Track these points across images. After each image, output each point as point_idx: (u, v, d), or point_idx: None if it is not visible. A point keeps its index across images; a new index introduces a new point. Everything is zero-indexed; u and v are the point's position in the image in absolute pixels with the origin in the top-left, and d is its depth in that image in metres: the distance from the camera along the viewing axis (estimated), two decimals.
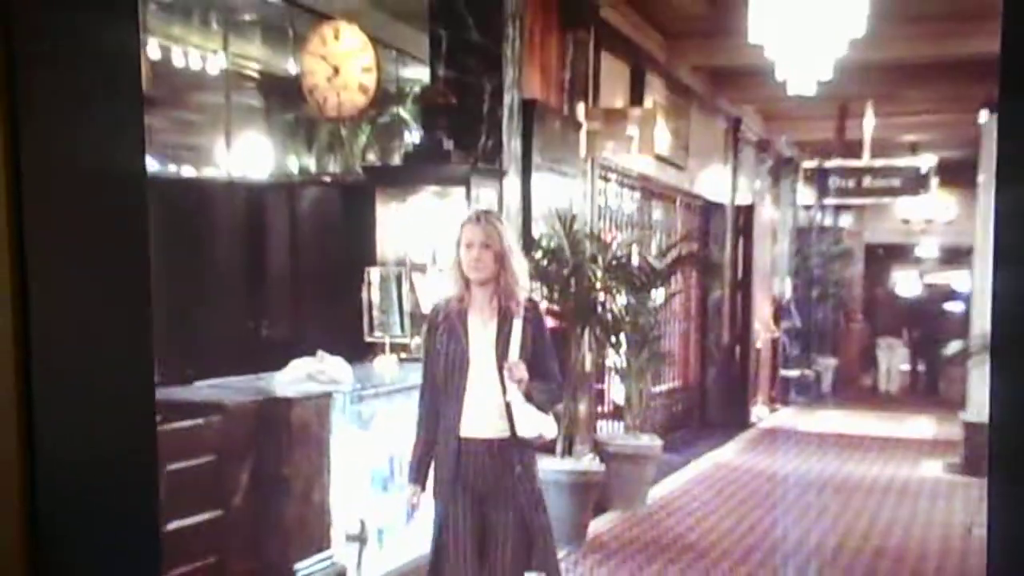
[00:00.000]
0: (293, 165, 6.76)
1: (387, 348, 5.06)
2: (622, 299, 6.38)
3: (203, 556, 3.77)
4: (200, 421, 3.81)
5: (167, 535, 3.55)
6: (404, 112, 6.40)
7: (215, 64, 6.37)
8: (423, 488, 3.66)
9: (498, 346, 3.60)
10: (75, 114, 1.52)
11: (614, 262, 6.31)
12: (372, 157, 6.51)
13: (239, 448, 3.95)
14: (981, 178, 9.26)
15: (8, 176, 1.52)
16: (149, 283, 1.58)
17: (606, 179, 7.68)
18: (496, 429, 3.54)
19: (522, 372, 3.53)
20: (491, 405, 3.54)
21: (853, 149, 11.36)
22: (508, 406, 3.56)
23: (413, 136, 6.27)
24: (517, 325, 3.64)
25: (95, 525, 1.53)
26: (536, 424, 3.58)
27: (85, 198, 1.54)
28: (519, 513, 3.54)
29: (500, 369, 3.56)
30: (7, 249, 1.46)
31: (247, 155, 6.63)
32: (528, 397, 3.57)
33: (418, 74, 6.34)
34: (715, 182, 10.39)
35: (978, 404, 8.76)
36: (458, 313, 3.62)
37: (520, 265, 3.66)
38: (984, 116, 9.08)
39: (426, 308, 5.30)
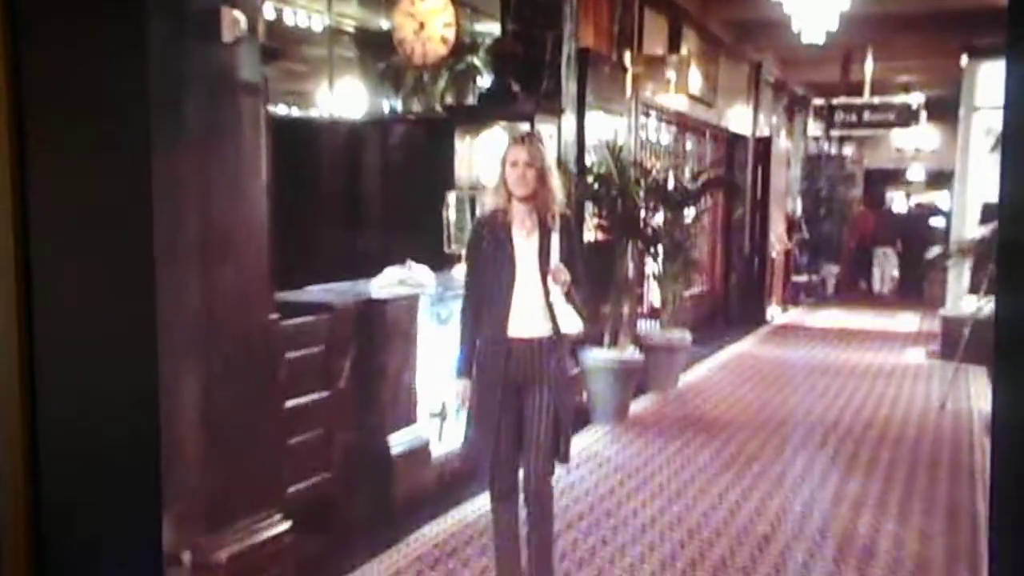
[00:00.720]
0: (384, 106, 6.70)
1: (462, 258, 5.04)
2: (660, 216, 6.31)
3: (313, 428, 3.79)
4: (312, 318, 3.81)
5: (287, 411, 3.58)
6: (478, 60, 6.29)
7: (319, 22, 6.32)
8: (468, 378, 3.50)
9: (541, 254, 3.44)
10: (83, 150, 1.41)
11: (654, 185, 6.25)
12: (450, 99, 6.40)
13: (343, 340, 3.95)
14: (961, 112, 9.12)
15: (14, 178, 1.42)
16: (154, 280, 1.51)
17: (647, 116, 7.60)
18: (541, 328, 3.42)
19: (566, 275, 3.40)
20: (536, 307, 3.44)
21: (855, 89, 11.19)
22: (551, 307, 3.44)
23: (485, 81, 6.12)
24: (555, 235, 3.47)
25: (97, 510, 1.44)
26: (574, 321, 3.49)
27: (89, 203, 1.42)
28: (554, 397, 3.43)
29: (543, 274, 3.43)
30: (12, 247, 1.39)
31: (346, 98, 6.58)
32: (567, 297, 3.46)
33: (490, 28, 6.22)
34: (739, 118, 10.23)
35: (954, 301, 8.69)
36: (503, 225, 3.44)
37: (557, 183, 3.49)
38: (964, 60, 8.90)
39: None
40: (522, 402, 3.45)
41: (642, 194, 6.03)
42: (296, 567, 3.36)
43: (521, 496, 3.50)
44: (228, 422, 3.14)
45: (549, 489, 3.51)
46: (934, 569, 3.72)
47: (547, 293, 3.43)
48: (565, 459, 3.55)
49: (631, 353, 5.91)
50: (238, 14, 3.07)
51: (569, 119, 5.88)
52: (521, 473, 3.49)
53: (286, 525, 3.30)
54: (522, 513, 3.50)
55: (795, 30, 7.08)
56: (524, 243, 3.46)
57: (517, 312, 3.44)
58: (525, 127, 5.33)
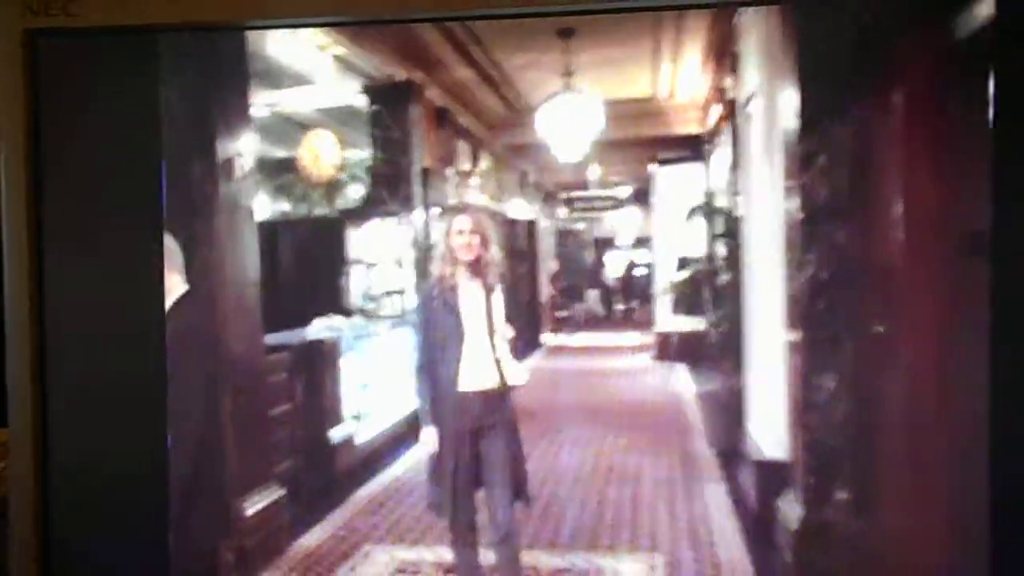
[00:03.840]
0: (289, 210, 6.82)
1: (360, 311, 5.31)
2: None
3: (285, 429, 4.00)
4: (280, 355, 4.05)
5: (271, 417, 3.78)
6: (359, 176, 6.55)
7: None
8: (434, 426, 3.10)
9: (487, 314, 3.05)
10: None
11: None
12: (336, 204, 6.59)
13: (298, 369, 4.18)
14: (652, 199, 9.86)
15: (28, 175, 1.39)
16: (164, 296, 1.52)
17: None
18: (489, 381, 3.05)
19: (511, 331, 3.10)
20: (485, 362, 3.04)
21: (586, 185, 11.87)
22: (498, 361, 3.06)
23: (355, 191, 6.37)
24: (498, 295, 3.10)
25: (106, 519, 1.41)
26: (520, 372, 3.13)
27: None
28: (507, 445, 3.06)
29: (490, 332, 3.04)
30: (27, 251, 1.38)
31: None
32: (513, 353, 3.13)
33: (358, 155, 6.45)
34: (515, 206, 10.71)
35: (661, 323, 9.46)
36: (451, 289, 3.03)
37: (497, 246, 3.11)
38: (652, 167, 9.65)
39: (378, 289, 5.56)
40: (478, 450, 3.07)
41: None
42: (288, 520, 3.58)
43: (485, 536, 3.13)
44: (243, 423, 3.34)
45: (514, 524, 3.14)
46: (672, 482, 4.27)
47: (494, 348, 3.06)
48: (526, 498, 3.20)
49: None
50: (242, 160, 3.33)
51: (420, 214, 6.19)
52: (484, 514, 3.13)
53: (281, 491, 3.51)
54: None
55: (556, 156, 7.60)
56: (471, 304, 3.07)
57: (467, 368, 3.04)
58: (393, 220, 5.64)
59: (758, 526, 3.42)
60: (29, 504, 1.35)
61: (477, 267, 3.06)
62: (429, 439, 3.09)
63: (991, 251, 1.56)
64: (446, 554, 3.36)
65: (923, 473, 2.44)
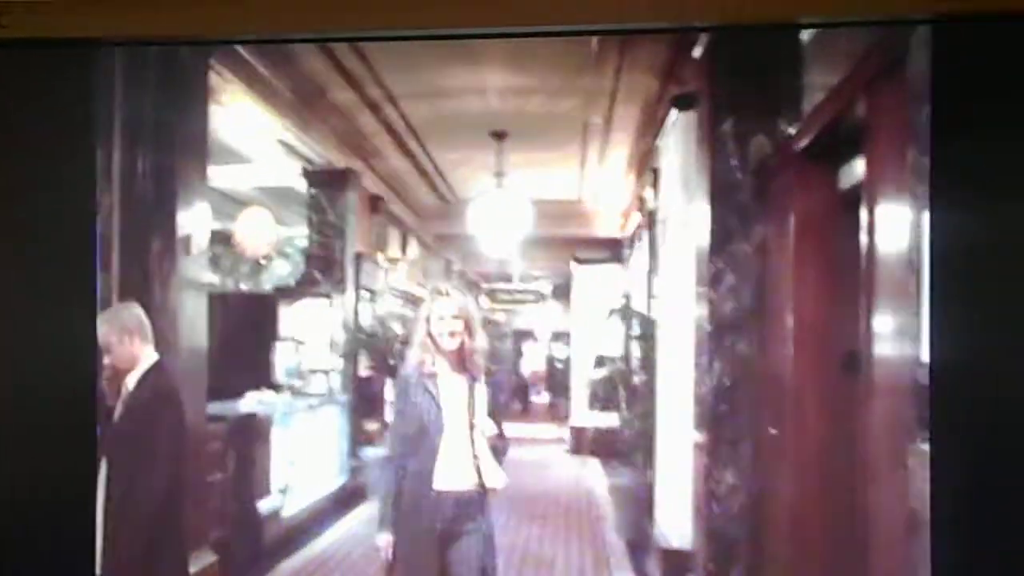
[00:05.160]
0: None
1: (285, 387, 5.53)
2: None
3: (218, 496, 4.12)
4: (216, 425, 4.19)
5: (207, 483, 3.91)
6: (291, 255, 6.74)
7: None
8: (394, 535, 2.75)
9: (469, 407, 2.75)
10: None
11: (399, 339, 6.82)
12: (267, 281, 6.75)
13: (231, 439, 4.35)
14: (572, 295, 10.21)
15: None
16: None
17: (392, 293, 8.23)
18: (467, 481, 2.71)
19: (491, 427, 2.81)
20: (463, 459, 2.72)
21: (509, 278, 12.15)
22: (477, 460, 2.74)
23: (283, 268, 6.58)
24: (480, 387, 2.79)
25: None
26: (499, 475, 2.81)
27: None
28: (479, 555, 2.73)
29: (470, 427, 2.75)
30: None
31: None
32: (493, 452, 2.81)
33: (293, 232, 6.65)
34: None
35: (576, 417, 9.77)
36: (429, 378, 2.73)
37: (482, 333, 2.84)
38: (573, 265, 10.07)
39: (306, 367, 5.78)
40: (447, 556, 2.73)
41: (397, 345, 6.61)
42: None
43: None
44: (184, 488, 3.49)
45: None
46: (583, 570, 4.54)
47: (473, 445, 2.75)
48: None
49: None
50: (198, 237, 3.59)
51: (351, 296, 6.43)
52: None
53: (214, 557, 3.66)
54: None
55: (483, 249, 7.84)
56: (451, 396, 2.76)
57: (444, 465, 2.72)
58: (325, 301, 5.92)
59: None
60: None
61: (460, 356, 2.77)
62: (384, 545, 2.76)
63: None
64: None
65: (804, 556, 2.81)
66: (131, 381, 2.54)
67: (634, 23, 1.51)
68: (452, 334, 2.74)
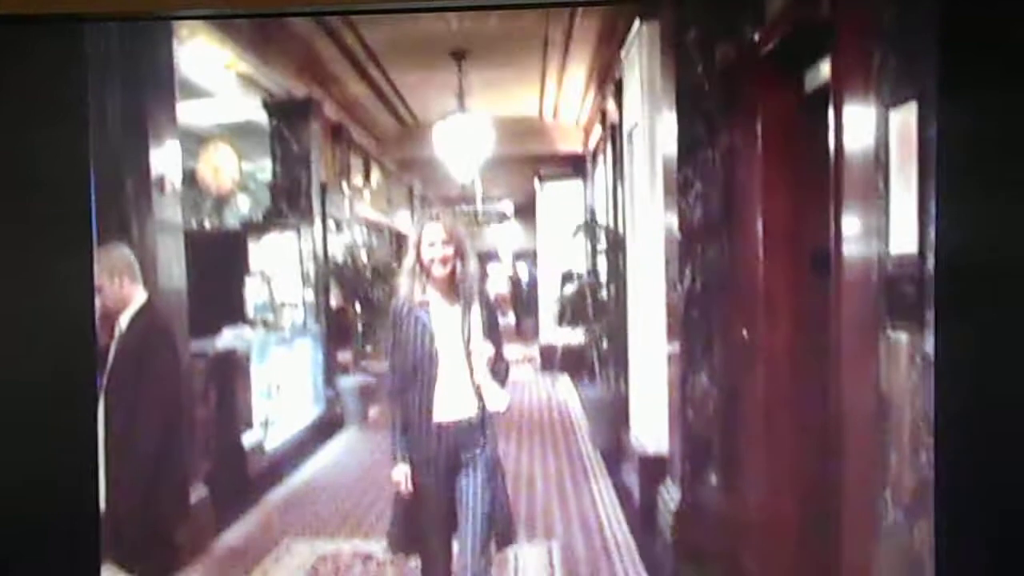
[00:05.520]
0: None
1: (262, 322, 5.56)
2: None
3: (204, 432, 4.19)
4: (198, 361, 4.23)
5: (193, 419, 3.98)
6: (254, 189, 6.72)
7: None
8: (407, 463, 2.72)
9: (464, 333, 2.70)
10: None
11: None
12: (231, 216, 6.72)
13: (214, 375, 4.41)
14: (537, 213, 10.18)
15: None
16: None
17: (358, 222, 8.22)
18: (467, 409, 2.70)
19: (488, 349, 2.74)
20: (462, 387, 2.70)
21: (471, 199, 12.13)
22: (477, 386, 2.72)
23: (250, 203, 6.55)
24: (476, 310, 2.73)
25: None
26: (501, 397, 2.78)
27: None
28: (486, 482, 2.70)
29: (468, 354, 2.70)
30: None
31: None
32: (493, 375, 2.76)
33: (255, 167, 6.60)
34: (402, 219, 10.96)
35: (545, 335, 9.92)
36: (421, 307, 2.69)
37: (474, 256, 2.78)
38: (536, 183, 10.05)
39: (277, 300, 5.80)
40: (453, 486, 2.70)
41: (369, 274, 6.66)
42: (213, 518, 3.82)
43: None
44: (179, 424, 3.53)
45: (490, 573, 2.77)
46: (562, 481, 4.71)
47: (472, 372, 2.71)
48: (510, 540, 2.83)
49: (365, 377, 6.48)
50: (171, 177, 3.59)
51: (318, 227, 6.44)
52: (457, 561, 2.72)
53: (205, 490, 3.75)
54: None
55: (450, 172, 7.85)
56: (446, 323, 2.72)
57: (443, 395, 2.70)
58: (293, 234, 5.92)
59: (642, 512, 3.89)
60: None
61: (452, 282, 2.72)
62: (401, 477, 2.74)
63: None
64: (362, 545, 3.69)
65: (776, 453, 2.96)
66: (123, 321, 2.58)
67: None
68: (443, 260, 2.68)
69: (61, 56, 1.39)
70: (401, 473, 2.73)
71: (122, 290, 2.59)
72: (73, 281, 1.45)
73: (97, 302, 2.53)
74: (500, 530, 2.76)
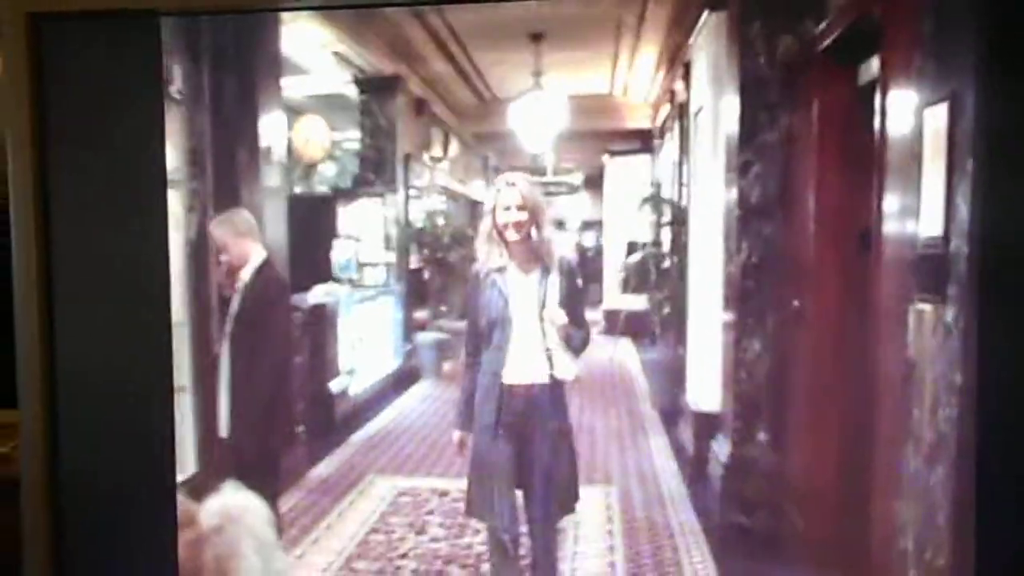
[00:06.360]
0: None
1: (349, 280, 5.87)
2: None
3: (300, 377, 4.51)
4: (296, 314, 4.56)
5: (295, 365, 4.30)
6: (342, 158, 6.99)
7: None
8: (470, 431, 2.69)
9: (539, 299, 2.64)
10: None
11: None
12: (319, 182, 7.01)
13: (307, 327, 4.72)
14: (605, 187, 10.32)
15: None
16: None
17: (436, 191, 8.48)
18: (537, 374, 2.64)
19: (562, 319, 2.65)
20: (533, 353, 2.64)
21: (543, 171, 12.26)
22: (548, 352, 2.65)
23: (346, 171, 6.83)
24: (553, 278, 2.67)
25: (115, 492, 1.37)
26: (571, 367, 2.70)
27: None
28: (552, 448, 2.65)
29: (541, 320, 2.64)
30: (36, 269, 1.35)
31: None
32: (566, 342, 2.69)
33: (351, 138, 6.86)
34: (478, 188, 11.19)
35: (609, 301, 10.10)
36: (498, 271, 2.65)
37: (550, 223, 2.73)
38: (605, 158, 10.17)
39: (363, 260, 6.10)
40: (521, 451, 2.66)
41: (447, 239, 6.92)
42: (305, 453, 4.15)
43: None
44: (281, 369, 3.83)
45: (555, 540, 2.77)
46: (622, 434, 4.93)
47: (545, 337, 2.66)
48: (571, 509, 2.76)
49: (440, 334, 6.79)
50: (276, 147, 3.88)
51: (401, 194, 6.72)
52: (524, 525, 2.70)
53: (300, 427, 4.07)
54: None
55: (523, 145, 8.02)
56: (521, 289, 2.67)
57: (513, 359, 2.65)
58: (379, 200, 6.20)
59: (695, 463, 4.11)
60: (41, 484, 1.32)
61: (528, 247, 2.67)
62: (457, 440, 2.74)
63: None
64: (439, 482, 3.98)
65: (819, 411, 3.15)
66: (246, 275, 2.88)
67: None
68: (518, 225, 2.63)
69: (137, 47, 1.36)
70: (456, 437, 2.73)
71: (244, 247, 2.89)
72: (151, 256, 1.43)
73: (222, 258, 2.85)
74: (561, 499, 2.70)
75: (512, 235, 2.65)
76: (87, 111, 1.32)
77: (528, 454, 2.63)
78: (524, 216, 2.64)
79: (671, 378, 5.79)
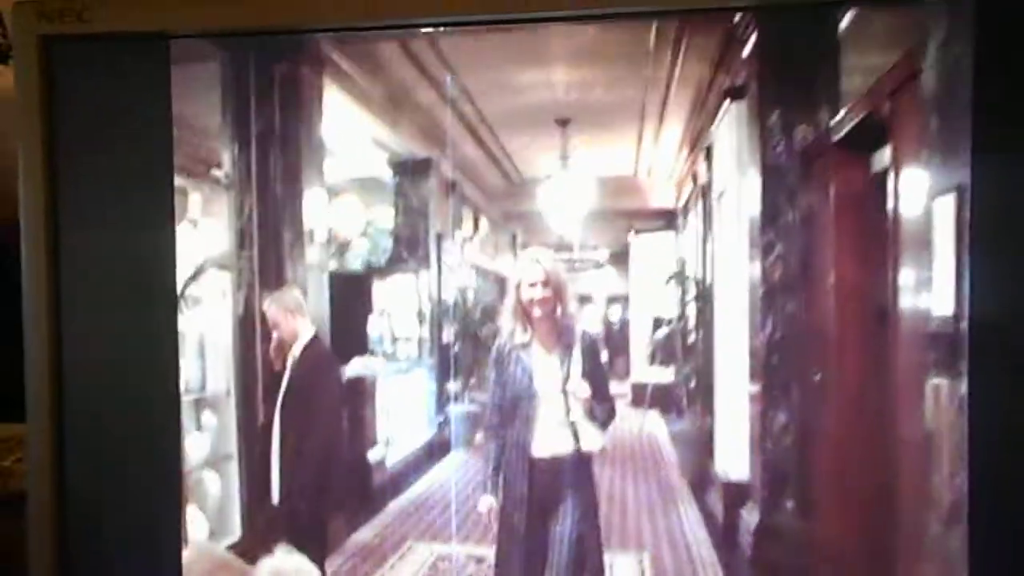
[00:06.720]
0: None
1: (383, 353, 6.01)
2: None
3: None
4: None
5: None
6: (375, 236, 7.16)
7: None
8: (497, 497, 2.77)
9: (562, 373, 2.72)
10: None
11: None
12: (360, 262, 7.19)
13: (346, 396, 4.83)
14: (630, 265, 10.39)
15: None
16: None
17: (467, 267, 8.62)
18: (562, 447, 2.70)
19: (584, 390, 2.70)
20: (558, 425, 2.70)
21: (570, 248, 12.33)
22: (573, 425, 2.71)
23: (378, 249, 7.03)
24: (576, 353, 2.74)
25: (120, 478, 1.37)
26: (597, 438, 2.77)
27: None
28: (576, 523, 2.69)
29: (564, 393, 2.69)
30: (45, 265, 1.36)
31: None
32: (590, 416, 2.73)
33: (384, 217, 7.07)
34: (507, 263, 11.27)
35: (636, 374, 10.15)
36: (523, 347, 2.72)
37: (574, 299, 2.80)
38: (631, 235, 10.29)
39: (396, 335, 6.24)
40: (547, 525, 2.71)
41: (477, 314, 7.04)
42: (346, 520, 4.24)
43: None
44: (331, 438, 3.92)
45: None
46: (652, 502, 4.97)
47: (568, 411, 2.71)
48: None
49: (471, 406, 6.84)
50: (318, 228, 4.07)
51: (433, 271, 6.88)
52: None
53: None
54: None
55: (550, 224, 8.16)
56: (543, 364, 2.75)
57: (540, 432, 2.72)
58: (412, 276, 6.37)
59: (724, 531, 4.18)
60: (47, 498, 1.33)
61: (552, 324, 2.74)
62: (485, 508, 2.80)
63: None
64: (476, 549, 4.08)
65: (845, 484, 3.24)
66: (296, 350, 3.04)
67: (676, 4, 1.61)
68: (542, 301, 2.71)
69: (148, 70, 1.38)
70: (486, 504, 2.81)
71: (294, 324, 3.06)
72: (160, 273, 1.43)
73: (274, 335, 3.01)
74: (589, 572, 2.69)
75: (536, 312, 2.73)
76: (98, 130, 1.35)
77: (554, 526, 2.68)
78: (548, 293, 2.73)
79: (699, 448, 5.85)
